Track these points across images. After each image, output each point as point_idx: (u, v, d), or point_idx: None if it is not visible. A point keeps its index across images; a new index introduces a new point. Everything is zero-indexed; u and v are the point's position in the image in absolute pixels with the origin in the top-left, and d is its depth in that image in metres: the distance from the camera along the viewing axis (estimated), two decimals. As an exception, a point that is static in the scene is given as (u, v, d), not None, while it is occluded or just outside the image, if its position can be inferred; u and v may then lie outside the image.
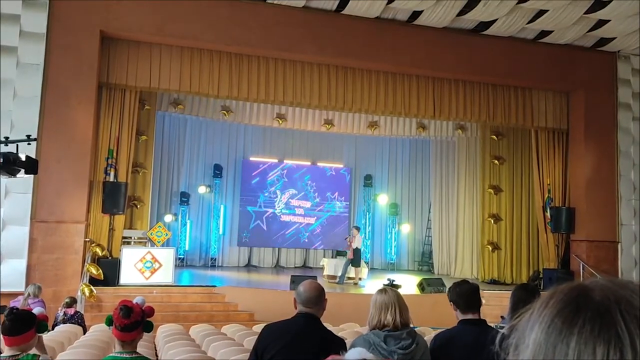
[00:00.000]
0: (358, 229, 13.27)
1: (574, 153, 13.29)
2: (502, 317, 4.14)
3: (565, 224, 12.97)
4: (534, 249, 14.40)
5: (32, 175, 8.56)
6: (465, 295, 2.94)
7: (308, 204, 16.60)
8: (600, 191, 12.90)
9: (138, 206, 12.53)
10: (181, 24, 10.68)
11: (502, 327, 2.93)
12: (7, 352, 2.89)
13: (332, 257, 14.86)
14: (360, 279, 12.80)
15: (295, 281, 10.62)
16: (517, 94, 13.09)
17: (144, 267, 10.79)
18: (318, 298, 2.87)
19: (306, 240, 16.50)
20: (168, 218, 14.83)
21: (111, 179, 10.65)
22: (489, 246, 14.74)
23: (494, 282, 14.16)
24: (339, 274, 12.79)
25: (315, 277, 10.41)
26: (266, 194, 16.19)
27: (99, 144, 10.71)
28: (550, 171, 13.41)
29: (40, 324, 3.05)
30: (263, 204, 16.17)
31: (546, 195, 13.36)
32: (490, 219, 14.86)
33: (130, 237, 11.83)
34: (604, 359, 0.54)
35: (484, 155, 15.16)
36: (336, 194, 16.90)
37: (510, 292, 2.94)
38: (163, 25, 10.66)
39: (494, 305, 9.03)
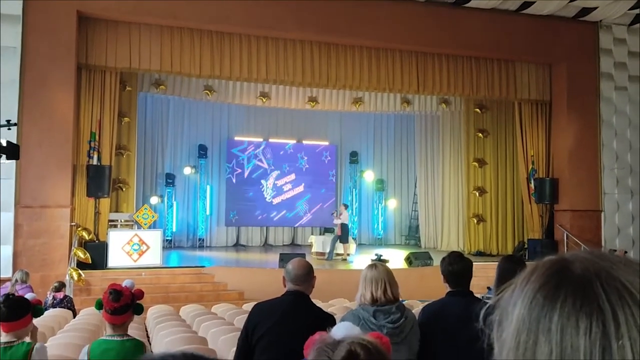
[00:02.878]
0: (346, 206, 13.44)
1: (557, 124, 13.37)
2: (488, 287, 4.20)
3: (549, 195, 13.09)
4: (519, 220, 14.55)
5: (14, 161, 8.47)
6: (458, 274, 2.96)
7: (294, 182, 16.67)
8: (583, 161, 13.03)
9: (123, 189, 12.48)
10: (160, 1, 10.49)
11: (488, 298, 3.00)
12: (3, 337, 2.91)
13: (320, 234, 14.92)
14: (348, 254, 12.92)
15: (283, 259, 10.68)
16: (500, 67, 13.11)
17: (132, 250, 10.77)
18: (307, 275, 2.88)
19: (293, 218, 16.61)
20: (154, 200, 14.82)
21: (94, 162, 10.56)
22: (474, 218, 14.89)
23: (479, 254, 14.30)
24: (327, 250, 12.90)
25: (303, 255, 10.61)
26: (252, 174, 16.26)
27: (81, 127, 10.59)
28: (533, 143, 13.50)
29: (35, 309, 3.07)
30: (250, 184, 16.23)
31: (530, 167, 13.49)
32: (475, 191, 15.00)
33: (117, 220, 11.83)
34: (587, 333, 0.55)
35: (468, 128, 15.22)
36: (322, 171, 16.96)
37: (496, 263, 2.96)
38: (141, 4, 10.46)
39: (480, 277, 8.80)
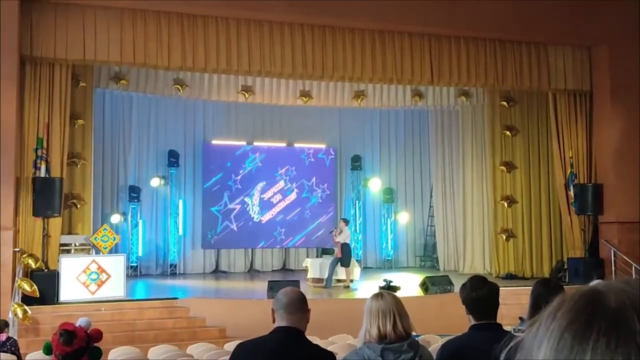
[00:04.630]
0: (346, 221, 13.43)
1: (599, 118, 13.43)
2: (520, 318, 4.20)
3: (592, 204, 13.07)
4: (557, 236, 14.53)
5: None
6: (483, 301, 2.97)
7: (285, 195, 16.74)
8: (632, 163, 12.84)
9: (78, 206, 12.44)
10: (118, -21, 10.67)
11: (520, 331, 3.03)
12: None
13: (316, 257, 14.96)
14: (351, 280, 12.93)
15: (273, 288, 10.72)
16: (530, 52, 13.15)
17: (89, 280, 10.76)
18: (300, 307, 2.91)
19: (283, 238, 16.62)
20: (115, 219, 14.86)
21: (42, 174, 10.53)
22: (502, 234, 14.86)
23: (510, 277, 14.29)
24: (326, 276, 12.90)
25: (297, 283, 10.83)
26: (234, 185, 16.33)
27: (25, 132, 10.55)
28: (572, 142, 13.57)
29: None
30: (229, 198, 16.30)
31: (568, 171, 13.53)
32: (503, 202, 14.95)
33: (70, 244, 11.81)
34: None
35: (494, 126, 15.22)
36: (318, 180, 17.02)
37: (530, 288, 3.02)
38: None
39: (512, 305, 9.08)
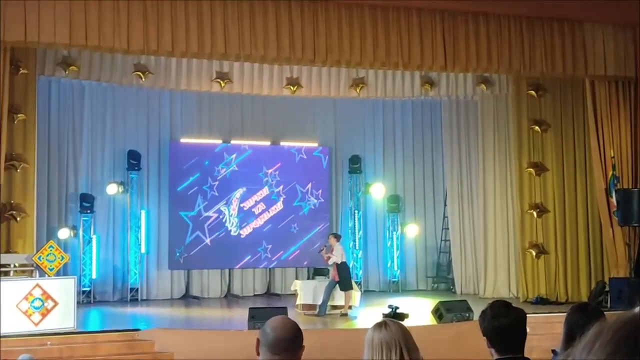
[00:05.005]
0: (337, 237, 13.36)
1: (647, 110, 13.53)
2: (553, 351, 4.21)
3: (638, 213, 13.08)
4: (596, 251, 14.49)
5: None
6: (507, 331, 2.98)
7: (269, 203, 16.66)
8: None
9: (18, 219, 12.38)
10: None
11: (553, 367, 2.97)
12: None
13: (308, 278, 14.93)
14: (350, 307, 12.89)
15: (255, 316, 10.71)
16: (563, 30, 13.18)
17: (32, 308, 10.63)
18: (293, 343, 2.88)
19: (269, 255, 16.50)
20: (64, 234, 14.76)
21: (-26, 180, 10.53)
22: (532, 250, 14.82)
23: (541, 302, 14.28)
24: (319, 302, 12.85)
25: (284, 310, 10.73)
26: (207, 192, 16.26)
27: (-46, 130, 10.57)
28: (614, 139, 13.58)
29: None
30: (204, 207, 16.25)
31: (610, 174, 13.54)
32: (532, 211, 14.89)
33: (9, 265, 11.66)
34: None
35: (520, 120, 15.13)
36: (309, 186, 16.93)
37: (564, 315, 3.10)
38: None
39: (543, 335, 8.91)
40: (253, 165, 16.58)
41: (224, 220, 16.31)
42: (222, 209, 16.34)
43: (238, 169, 16.49)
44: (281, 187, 16.77)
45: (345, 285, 12.77)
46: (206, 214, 16.19)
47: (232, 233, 16.37)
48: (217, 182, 16.33)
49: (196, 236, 16.04)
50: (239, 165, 16.50)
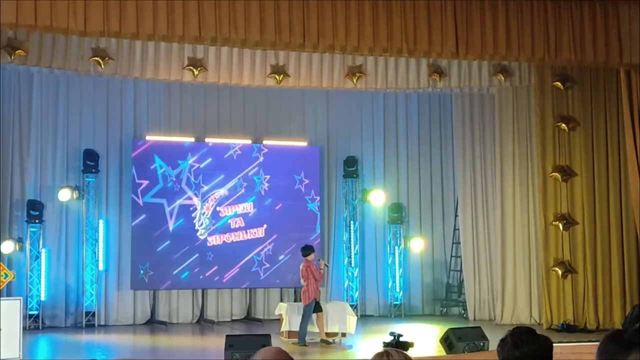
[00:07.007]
0: (309, 250, 13.24)
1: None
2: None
3: (683, 226, 13.31)
4: (632, 270, 14.61)
5: None
6: None
7: (250, 211, 16.76)
8: None
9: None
10: None
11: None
12: None
13: (295, 301, 15.08)
14: (343, 334, 13.14)
15: (233, 345, 10.82)
16: (594, 12, 13.11)
17: (-30, 335, 10.73)
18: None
19: (249, 273, 16.62)
20: (7, 247, 14.88)
21: None
22: (557, 268, 14.81)
23: (568, 329, 14.47)
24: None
25: (267, 338, 10.92)
26: (177, 199, 16.32)
27: None
28: (654, 138, 13.68)
29: None
30: (172, 215, 16.31)
31: (647, 180, 13.59)
32: (558, 222, 14.89)
33: (-57, 285, 11.85)
34: None
35: (544, 116, 15.11)
36: (296, 192, 17.07)
37: (596, 345, 2.89)
38: None
39: None
40: (230, 168, 16.72)
41: (198, 234, 16.44)
42: (193, 219, 16.42)
43: (213, 171, 16.56)
44: (263, 192, 16.90)
45: (317, 307, 13.03)
46: (176, 224, 16.29)
47: (208, 246, 16.44)
48: (188, 187, 16.42)
49: (164, 250, 16.10)
50: (214, 168, 16.57)
